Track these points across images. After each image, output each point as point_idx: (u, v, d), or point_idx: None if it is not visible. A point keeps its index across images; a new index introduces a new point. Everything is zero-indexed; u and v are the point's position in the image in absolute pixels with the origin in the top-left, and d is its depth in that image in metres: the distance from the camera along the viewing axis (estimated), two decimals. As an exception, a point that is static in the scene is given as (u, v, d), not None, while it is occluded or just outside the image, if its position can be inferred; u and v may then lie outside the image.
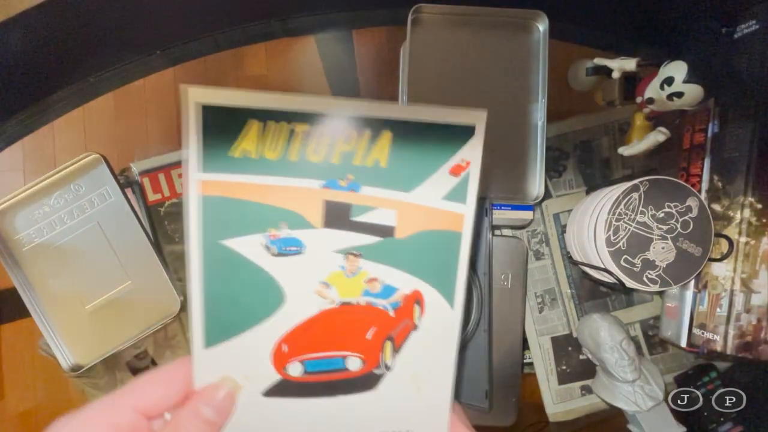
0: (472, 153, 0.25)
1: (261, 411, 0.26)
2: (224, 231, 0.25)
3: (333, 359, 0.27)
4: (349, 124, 0.25)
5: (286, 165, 0.25)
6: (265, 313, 0.26)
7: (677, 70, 0.49)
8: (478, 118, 0.25)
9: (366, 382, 0.27)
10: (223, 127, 0.24)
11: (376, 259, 0.26)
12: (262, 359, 0.26)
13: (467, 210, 0.26)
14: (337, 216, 0.25)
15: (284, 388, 0.26)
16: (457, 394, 0.54)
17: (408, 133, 0.25)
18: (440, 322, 0.27)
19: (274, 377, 0.26)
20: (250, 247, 0.25)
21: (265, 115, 0.24)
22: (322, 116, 0.25)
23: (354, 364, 0.27)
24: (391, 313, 0.27)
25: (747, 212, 0.54)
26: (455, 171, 0.25)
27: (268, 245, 0.25)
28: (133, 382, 0.25)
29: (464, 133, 0.25)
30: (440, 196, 0.26)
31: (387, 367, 0.27)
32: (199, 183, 0.24)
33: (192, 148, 0.24)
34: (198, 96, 0.23)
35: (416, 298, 0.27)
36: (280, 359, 0.26)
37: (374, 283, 0.26)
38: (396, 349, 0.27)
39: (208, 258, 0.25)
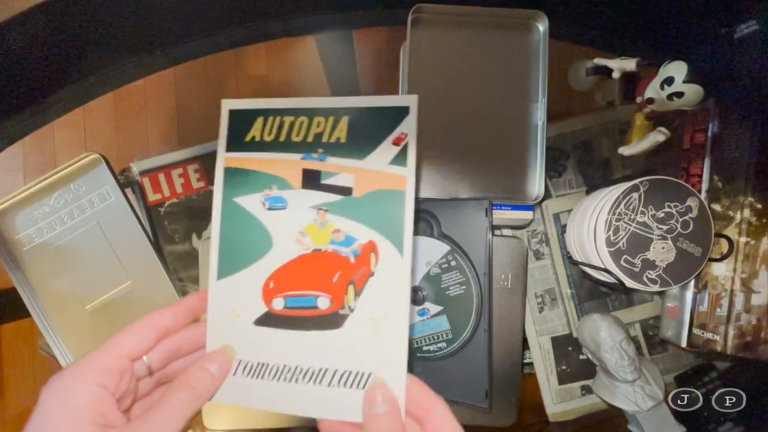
0: (408, 127, 0.33)
1: (251, 337, 0.33)
2: (236, 191, 0.35)
3: (307, 297, 0.33)
4: (319, 114, 0.34)
5: (277, 145, 0.35)
6: (259, 254, 0.34)
7: (677, 70, 0.49)
8: (411, 101, 0.33)
9: (333, 320, 0.32)
10: (241, 122, 0.35)
11: (339, 213, 0.33)
12: (255, 293, 0.33)
13: (408, 172, 0.32)
14: (311, 180, 0.34)
15: (269, 319, 0.33)
16: (457, 394, 0.54)
17: (360, 116, 0.34)
18: (393, 269, 0.32)
19: (263, 309, 0.33)
20: (251, 202, 0.34)
21: (266, 113, 0.35)
22: (302, 110, 0.35)
23: (323, 303, 0.33)
24: (352, 259, 0.33)
25: (747, 212, 0.54)
26: (397, 141, 0.33)
27: (264, 201, 0.34)
28: (115, 334, 0.30)
29: (401, 113, 0.33)
30: (386, 162, 0.33)
31: (350, 309, 0.32)
32: (224, 159, 0.35)
33: (221, 137, 0.36)
34: (228, 105, 0.36)
35: (371, 248, 0.32)
36: (267, 294, 0.33)
37: (338, 234, 0.33)
38: (357, 292, 0.32)
39: (224, 210, 0.35)
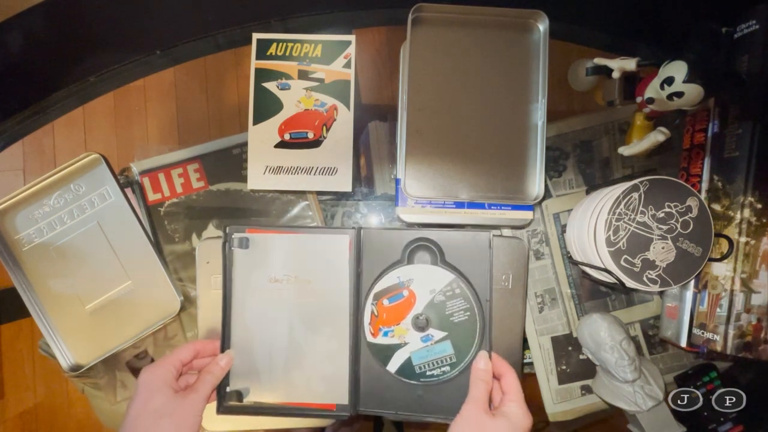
0: (351, 49, 0.60)
1: (274, 154, 0.59)
2: (262, 80, 0.59)
3: (302, 132, 0.59)
4: (306, 43, 0.60)
5: (284, 57, 0.60)
6: (275, 112, 0.59)
7: (677, 70, 0.49)
8: (351, 39, 0.60)
9: (316, 143, 0.59)
10: (263, 45, 0.60)
11: (317, 91, 0.59)
12: (274, 131, 0.59)
13: (351, 71, 0.59)
14: (303, 74, 0.59)
15: (283, 145, 0.59)
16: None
17: (328, 43, 0.60)
18: (345, 120, 0.59)
19: (278, 139, 0.59)
20: (271, 85, 0.59)
21: (277, 40, 0.60)
22: (297, 40, 0.61)
23: (310, 134, 0.59)
24: (324, 113, 0.59)
25: (747, 212, 0.54)
26: (346, 56, 0.59)
27: (277, 85, 0.59)
28: (167, 354, 0.51)
29: (349, 42, 0.59)
30: (341, 66, 0.59)
31: (324, 137, 0.59)
32: (254, 63, 0.59)
33: (253, 53, 0.59)
34: (256, 36, 0.59)
35: (334, 107, 0.59)
36: (281, 131, 0.59)
37: (317, 101, 0.59)
38: (327, 129, 0.59)
39: (256, 90, 0.59)
